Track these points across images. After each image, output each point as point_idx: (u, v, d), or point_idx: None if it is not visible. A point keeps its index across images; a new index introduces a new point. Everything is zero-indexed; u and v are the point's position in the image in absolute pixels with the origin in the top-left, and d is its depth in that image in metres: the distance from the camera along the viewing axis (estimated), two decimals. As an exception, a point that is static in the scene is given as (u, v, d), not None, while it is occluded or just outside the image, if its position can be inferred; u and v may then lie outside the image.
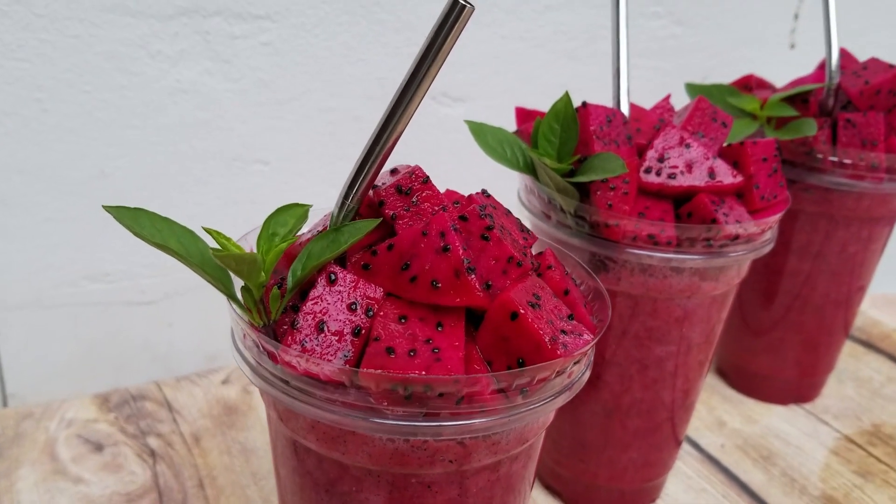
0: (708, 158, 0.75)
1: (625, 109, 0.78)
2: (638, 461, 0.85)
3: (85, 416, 0.88)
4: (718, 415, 1.07)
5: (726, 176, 0.75)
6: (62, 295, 0.93)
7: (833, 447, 1.02)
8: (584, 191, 0.74)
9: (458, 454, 0.50)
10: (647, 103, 0.85)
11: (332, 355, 0.48)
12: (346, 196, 0.51)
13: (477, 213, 0.53)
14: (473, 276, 0.49)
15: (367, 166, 0.51)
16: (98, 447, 0.84)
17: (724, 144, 0.80)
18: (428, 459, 0.50)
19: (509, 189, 0.84)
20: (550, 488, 0.90)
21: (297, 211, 0.55)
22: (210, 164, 0.96)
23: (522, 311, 0.50)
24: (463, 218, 0.53)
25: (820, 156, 0.94)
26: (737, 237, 0.73)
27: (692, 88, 1.03)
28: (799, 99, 0.98)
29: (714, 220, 0.72)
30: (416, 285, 0.49)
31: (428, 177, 0.55)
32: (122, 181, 0.91)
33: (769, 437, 1.03)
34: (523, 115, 0.83)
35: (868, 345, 1.26)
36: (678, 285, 0.75)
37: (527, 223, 0.79)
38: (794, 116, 0.94)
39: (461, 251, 0.49)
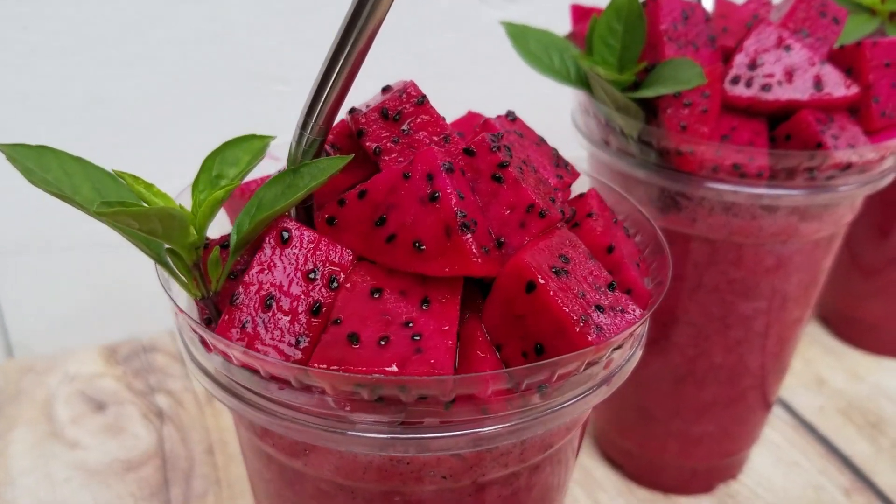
0: (814, 64, 0.58)
1: (707, 2, 0.61)
2: (715, 435, 0.71)
3: (90, 370, 0.80)
4: (818, 370, 0.91)
5: (837, 87, 0.58)
6: (67, 237, 0.84)
7: (959, 412, 0.85)
8: (652, 109, 0.58)
9: (454, 469, 0.38)
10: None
11: (281, 342, 0.36)
12: (303, 124, 0.38)
13: (487, 144, 0.39)
14: (470, 235, 0.35)
15: (331, 79, 0.37)
16: (100, 406, 0.76)
17: (836, 46, 0.62)
18: (414, 476, 0.38)
19: (566, 109, 0.69)
20: (611, 460, 0.77)
21: (253, 145, 0.42)
22: (220, 85, 0.84)
23: (542, 281, 0.36)
24: (468, 152, 0.40)
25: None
26: (848, 166, 0.56)
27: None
28: (935, -14, 0.78)
29: (820, 145, 0.56)
30: (394, 247, 0.36)
31: (424, 96, 0.41)
32: (120, 107, 0.80)
33: (879, 399, 0.87)
34: (580, 13, 0.67)
35: None
36: (771, 227, 0.59)
37: (583, 153, 0.64)
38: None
39: (454, 200, 0.35)
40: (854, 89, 0.58)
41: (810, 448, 0.80)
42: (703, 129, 0.56)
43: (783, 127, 0.58)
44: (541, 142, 0.46)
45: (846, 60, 0.61)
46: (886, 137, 0.60)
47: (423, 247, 0.35)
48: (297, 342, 0.36)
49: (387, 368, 0.33)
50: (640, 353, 0.41)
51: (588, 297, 0.37)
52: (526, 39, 0.60)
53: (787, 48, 0.58)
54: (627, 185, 0.62)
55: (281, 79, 0.86)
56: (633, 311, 0.38)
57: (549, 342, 0.36)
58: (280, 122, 0.89)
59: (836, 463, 0.78)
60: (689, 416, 0.69)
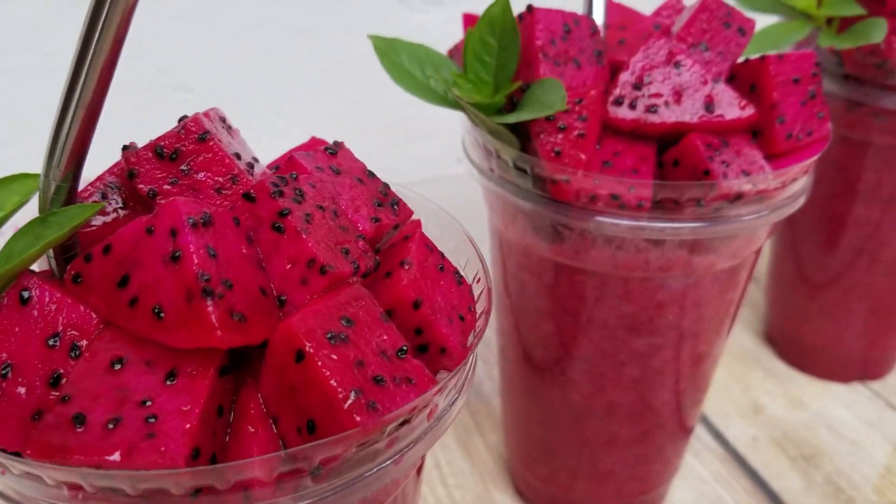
0: (705, 83, 0.53)
1: (598, 13, 0.56)
2: (622, 473, 0.66)
3: None
4: (756, 396, 0.86)
5: (730, 108, 0.53)
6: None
7: (902, 443, 0.80)
8: (528, 133, 0.53)
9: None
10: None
11: (12, 420, 0.31)
12: (46, 168, 0.34)
13: (267, 189, 0.35)
14: (212, 301, 0.31)
15: (69, 115, 0.33)
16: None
17: (740, 60, 0.57)
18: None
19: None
20: (522, 495, 0.72)
21: (25, 184, 0.37)
22: (116, 93, 0.79)
23: (311, 350, 0.32)
24: (248, 197, 0.35)
25: (894, 70, 0.70)
26: (739, 196, 0.51)
27: (732, -20, 0.78)
28: (874, -10, 0.72)
29: (707, 172, 0.51)
30: (136, 311, 0.32)
31: (207, 132, 0.37)
32: (6, 120, 0.76)
33: (818, 429, 0.82)
34: (472, 22, 0.62)
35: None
36: (658, 261, 0.54)
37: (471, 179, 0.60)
38: (861, 16, 0.69)
39: (196, 261, 0.31)
40: (749, 111, 0.53)
41: (737, 482, 0.75)
42: (579, 156, 0.52)
43: (672, 151, 0.53)
44: (366, 177, 0.42)
45: (750, 76, 0.56)
46: (792, 161, 0.55)
47: (163, 314, 0.31)
48: (35, 419, 0.32)
49: (108, 458, 0.29)
50: (452, 414, 0.37)
51: (368, 367, 0.33)
52: (397, 55, 0.55)
53: (678, 65, 0.53)
54: (515, 214, 0.58)
55: (184, 86, 0.82)
56: (424, 380, 0.34)
57: (319, 419, 0.32)
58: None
59: (762, 499, 0.73)
60: (593, 454, 0.65)
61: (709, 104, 0.52)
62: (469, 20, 0.62)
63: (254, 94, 0.84)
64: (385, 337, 0.34)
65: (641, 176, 0.52)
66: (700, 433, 0.81)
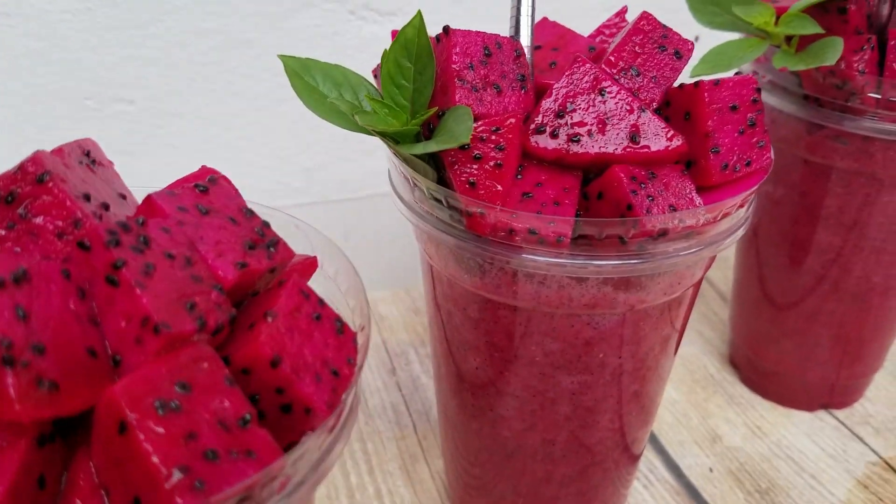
0: (632, 111, 0.50)
1: (525, 35, 0.53)
2: (560, 512, 0.63)
3: None
4: (715, 424, 0.83)
5: (656, 138, 0.49)
6: None
7: (863, 476, 0.77)
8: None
9: None
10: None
11: None
12: None
13: (102, 238, 0.32)
14: (11, 370, 0.28)
15: None
16: None
17: (676, 85, 0.54)
18: None
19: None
20: (461, 529, 0.70)
21: None
22: (54, 106, 0.77)
23: (133, 421, 0.29)
24: (82, 246, 0.32)
25: (855, 91, 0.66)
26: (664, 233, 0.48)
27: (691, -9, 0.75)
28: (834, 7, 0.69)
29: (630, 207, 0.48)
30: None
31: (47, 172, 0.34)
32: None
33: (776, 460, 0.79)
34: (400, 42, 0.59)
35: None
36: (582, 298, 0.51)
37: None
38: (818, 35, 0.65)
39: (-1, 326, 0.28)
40: (676, 142, 0.49)
41: (687, 518, 0.72)
42: (495, 187, 0.49)
43: (596, 183, 0.50)
44: (242, 216, 0.39)
45: (684, 103, 0.53)
46: (728, 194, 0.52)
47: (-41, 381, 0.28)
48: None
49: None
50: (317, 475, 0.34)
51: (201, 439, 0.30)
52: (311, 76, 0.52)
53: (603, 91, 0.50)
54: (438, 244, 0.55)
55: (124, 98, 0.79)
56: (268, 451, 0.31)
57: (144, 497, 0.29)
58: (129, 144, 0.83)
59: (711, 537, 0.70)
60: (531, 490, 0.62)
61: (634, 134, 0.49)
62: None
63: (196, 107, 0.81)
64: (227, 404, 0.31)
65: (563, 209, 0.49)
66: (655, 463, 0.78)
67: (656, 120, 0.49)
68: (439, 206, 0.51)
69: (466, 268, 0.53)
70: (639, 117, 0.49)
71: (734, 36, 0.70)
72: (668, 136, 0.49)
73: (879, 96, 0.65)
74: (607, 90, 0.50)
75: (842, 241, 0.74)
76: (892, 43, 0.66)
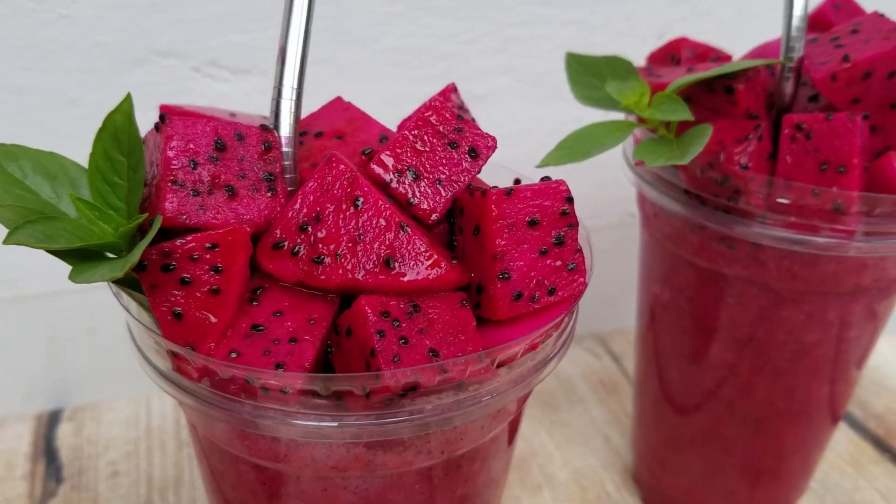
0: (388, 228, 0.39)
1: (285, 122, 0.43)
2: None
3: None
4: (600, 558, 0.71)
5: (414, 264, 0.39)
6: None
7: None
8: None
9: None
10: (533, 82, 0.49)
11: None
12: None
13: None
14: None
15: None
16: None
17: (468, 189, 0.43)
18: None
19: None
20: None
21: None
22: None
23: None
24: None
25: (739, 189, 0.55)
26: (414, 387, 0.38)
27: (574, 62, 0.65)
28: (720, 85, 0.58)
29: (373, 353, 0.37)
30: None
31: None
32: None
33: None
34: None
35: (886, 448, 0.84)
36: (328, 459, 0.40)
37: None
38: (689, 122, 0.55)
39: None
40: (437, 271, 0.39)
41: None
42: (208, 319, 0.38)
43: (345, 315, 0.40)
44: None
45: (475, 214, 0.42)
46: (524, 329, 0.41)
47: None
48: None
49: None
50: None
51: None
52: (17, 164, 0.42)
53: (357, 202, 0.39)
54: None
55: None
56: None
57: None
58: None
59: None
60: None
61: (389, 258, 0.39)
62: (166, 111, 0.49)
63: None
64: None
65: (300, 348, 0.39)
66: None
67: (417, 240, 0.39)
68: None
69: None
70: (395, 236, 0.39)
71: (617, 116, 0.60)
72: (429, 262, 0.39)
73: (766, 197, 0.55)
74: (362, 198, 0.39)
75: (736, 359, 0.63)
76: (786, 131, 0.56)
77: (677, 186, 0.59)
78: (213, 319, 0.38)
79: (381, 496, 0.42)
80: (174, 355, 0.39)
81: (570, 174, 0.89)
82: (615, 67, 0.63)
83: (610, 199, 0.93)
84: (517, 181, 0.52)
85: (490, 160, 0.44)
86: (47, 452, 0.76)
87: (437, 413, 0.39)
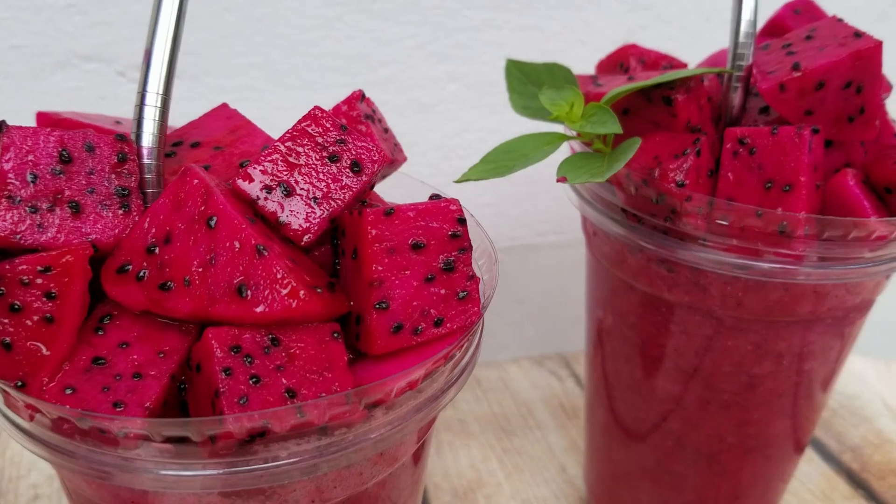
0: (244, 251, 0.35)
1: (147, 132, 0.39)
2: None
3: None
4: None
5: (270, 293, 0.35)
6: None
7: None
8: None
9: None
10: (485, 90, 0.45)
11: None
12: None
13: None
14: None
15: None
16: None
17: (353, 209, 0.39)
18: None
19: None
20: None
21: None
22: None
23: None
24: None
25: (675, 209, 0.51)
26: (262, 433, 0.33)
27: (515, 68, 0.60)
28: (658, 96, 0.54)
29: (217, 393, 0.33)
30: None
31: None
32: None
33: None
34: (47, 121, 0.45)
35: (860, 483, 0.79)
36: (179, 509, 0.36)
37: None
38: (623, 136, 0.51)
39: None
40: (294, 301, 0.34)
41: None
42: (40, 351, 0.34)
43: (195, 349, 0.35)
44: None
45: (354, 236, 0.38)
46: (406, 365, 0.37)
47: None
48: None
49: None
50: None
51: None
52: None
53: (210, 221, 0.35)
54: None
55: None
56: None
57: None
58: None
59: None
60: None
61: (242, 285, 0.34)
62: (43, 119, 0.45)
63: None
64: None
65: (144, 384, 0.34)
66: None
67: (274, 266, 0.35)
68: None
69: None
70: (250, 261, 0.35)
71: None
72: (286, 290, 0.34)
73: (705, 218, 0.50)
74: (216, 219, 0.35)
75: (682, 390, 0.58)
76: (728, 146, 0.51)
77: (615, 206, 0.55)
78: (45, 351, 0.34)
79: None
80: (3, 391, 0.35)
81: (531, 188, 0.85)
82: (555, 75, 0.59)
83: (574, 214, 0.89)
84: (434, 197, 0.47)
85: (419, 174, 0.40)
86: (-34, 475, 0.72)
87: (297, 461, 0.34)
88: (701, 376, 0.57)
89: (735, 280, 0.52)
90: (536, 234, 0.88)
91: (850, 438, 0.84)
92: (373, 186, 0.42)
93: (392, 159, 0.48)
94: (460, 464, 0.77)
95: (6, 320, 0.34)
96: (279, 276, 0.34)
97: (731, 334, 0.54)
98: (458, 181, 0.50)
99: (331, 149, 0.39)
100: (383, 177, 0.49)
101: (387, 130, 0.50)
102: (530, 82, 0.60)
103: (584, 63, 0.65)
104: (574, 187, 0.58)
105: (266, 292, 0.34)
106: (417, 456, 0.43)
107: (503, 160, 0.51)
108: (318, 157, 0.38)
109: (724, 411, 0.58)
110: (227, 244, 0.35)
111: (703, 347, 0.56)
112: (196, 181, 0.36)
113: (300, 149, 0.38)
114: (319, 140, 0.39)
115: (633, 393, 0.61)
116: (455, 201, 0.39)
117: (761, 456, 0.61)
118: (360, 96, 0.48)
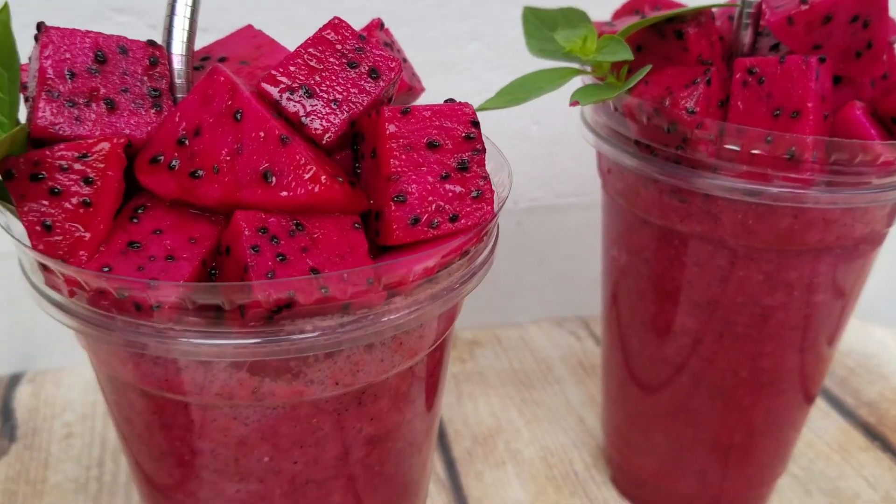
0: (269, 142, 0.37)
1: (178, 40, 0.41)
2: None
3: None
4: (559, 539, 0.68)
5: (293, 179, 0.37)
6: None
7: None
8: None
9: None
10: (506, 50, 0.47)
11: None
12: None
13: None
14: None
15: None
16: None
17: (365, 112, 0.41)
18: None
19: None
20: None
21: None
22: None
23: None
24: None
25: (687, 136, 0.52)
26: (289, 304, 0.35)
27: (532, 15, 0.62)
28: (670, 30, 0.55)
29: (246, 268, 0.35)
30: None
31: None
32: None
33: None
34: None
35: (876, 435, 0.79)
36: (212, 384, 0.38)
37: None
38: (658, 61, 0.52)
39: None
40: (317, 185, 0.36)
41: None
42: (79, 233, 0.37)
43: (225, 234, 0.37)
44: None
45: (372, 136, 0.40)
46: (408, 264, 0.38)
47: None
48: None
49: None
50: None
51: None
52: None
53: (237, 114, 0.37)
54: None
55: None
56: None
57: None
58: None
59: None
60: None
61: (267, 172, 0.37)
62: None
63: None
64: None
65: (176, 266, 0.37)
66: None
67: (300, 154, 0.37)
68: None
69: (89, 336, 0.41)
70: (275, 149, 0.37)
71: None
72: (308, 175, 0.36)
73: (716, 145, 0.51)
74: (242, 112, 0.37)
75: (696, 324, 0.59)
76: (738, 76, 0.53)
77: (628, 139, 0.56)
78: (83, 232, 0.37)
79: (274, 429, 0.40)
80: (45, 268, 0.37)
81: (551, 148, 0.86)
82: (570, 19, 0.61)
83: (594, 174, 0.90)
84: (449, 101, 0.49)
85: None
86: (3, 412, 0.75)
87: (320, 334, 0.36)
88: (714, 309, 0.58)
89: (745, 207, 0.53)
90: (556, 195, 0.90)
91: (866, 394, 0.84)
92: (391, 100, 0.44)
93: (410, 86, 0.50)
94: (480, 412, 0.79)
95: (46, 203, 0.36)
96: (302, 161, 0.36)
97: (742, 264, 0.56)
98: (477, 109, 0.51)
99: (350, 56, 0.41)
100: (402, 104, 0.51)
101: (405, 60, 0.52)
102: (546, 27, 0.62)
103: (602, 16, 0.66)
104: (588, 125, 0.60)
105: (290, 178, 0.36)
106: (435, 358, 0.45)
107: (518, 92, 0.53)
108: (337, 62, 0.40)
109: (738, 344, 0.59)
110: (253, 134, 0.37)
111: (715, 279, 0.57)
112: (223, 78, 0.38)
113: (321, 55, 0.40)
114: (339, 47, 0.41)
115: (649, 330, 0.62)
116: (468, 105, 0.40)
117: (774, 392, 0.62)
118: (378, 24, 0.50)
